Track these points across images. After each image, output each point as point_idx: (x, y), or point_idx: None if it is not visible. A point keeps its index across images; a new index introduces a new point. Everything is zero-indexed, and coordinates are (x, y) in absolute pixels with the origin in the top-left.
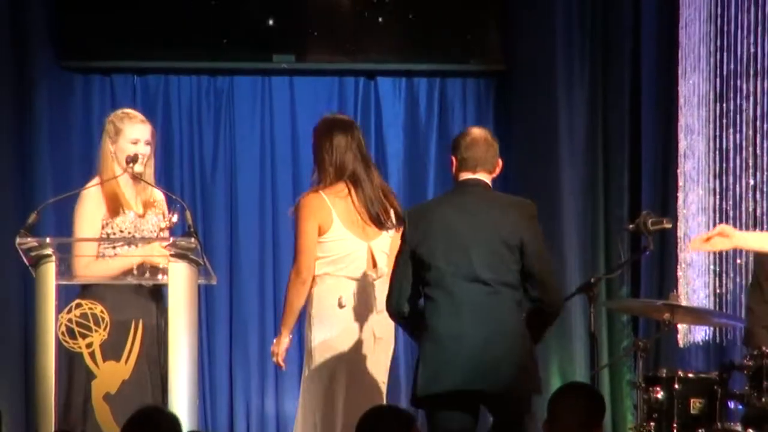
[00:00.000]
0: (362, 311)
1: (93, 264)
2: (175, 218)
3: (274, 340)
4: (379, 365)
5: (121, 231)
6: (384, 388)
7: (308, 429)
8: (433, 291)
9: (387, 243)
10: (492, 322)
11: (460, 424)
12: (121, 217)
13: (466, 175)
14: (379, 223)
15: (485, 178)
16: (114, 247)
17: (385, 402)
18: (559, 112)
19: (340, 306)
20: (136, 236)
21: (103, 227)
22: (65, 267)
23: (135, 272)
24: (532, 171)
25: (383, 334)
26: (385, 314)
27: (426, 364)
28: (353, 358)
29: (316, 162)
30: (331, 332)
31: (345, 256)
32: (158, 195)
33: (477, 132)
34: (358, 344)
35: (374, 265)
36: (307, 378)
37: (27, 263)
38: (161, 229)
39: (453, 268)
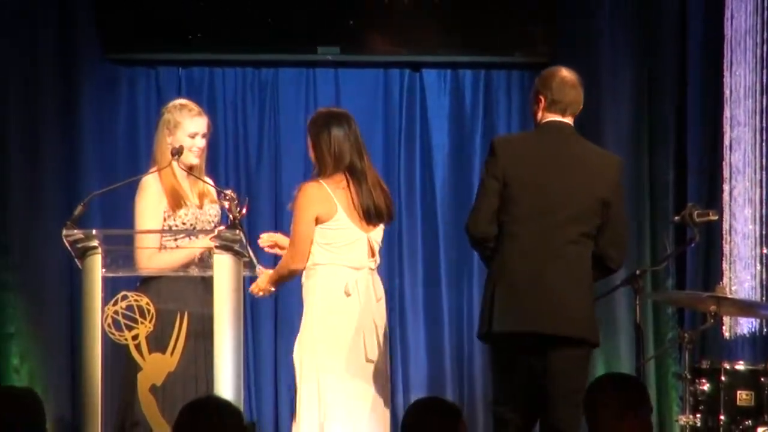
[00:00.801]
0: (365, 300)
1: (156, 256)
2: (243, 210)
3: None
4: (383, 354)
5: (183, 223)
6: (388, 374)
7: (314, 416)
8: (517, 228)
9: (381, 234)
10: (572, 271)
11: (528, 365)
12: (183, 210)
13: (554, 117)
14: (374, 216)
15: (571, 122)
16: (175, 239)
17: (389, 389)
18: (603, 104)
19: (347, 294)
20: (197, 228)
21: (164, 219)
22: (111, 259)
23: (197, 263)
24: None
25: (381, 323)
26: (383, 302)
27: (503, 301)
28: (359, 346)
29: (314, 154)
30: (339, 320)
31: (348, 244)
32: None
33: (566, 72)
34: (363, 332)
35: (372, 254)
36: (313, 366)
37: (73, 255)
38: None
39: (542, 211)
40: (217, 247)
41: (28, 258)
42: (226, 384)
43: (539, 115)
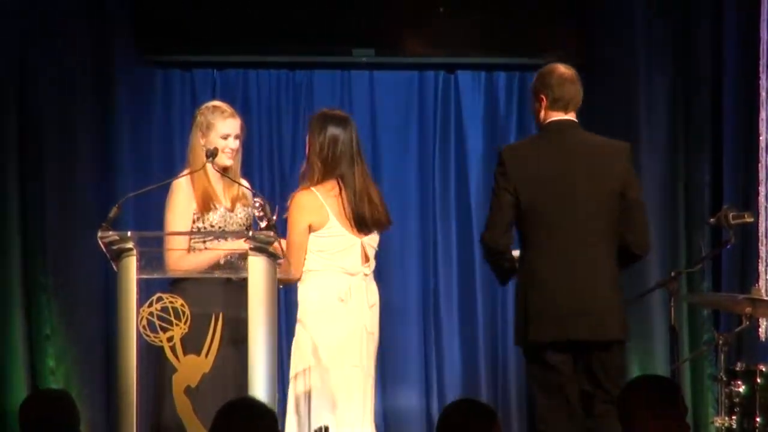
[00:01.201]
0: (358, 306)
1: (185, 257)
2: (274, 218)
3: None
4: (371, 359)
5: (212, 226)
6: (374, 379)
7: (303, 417)
8: (541, 235)
9: (376, 239)
10: (600, 271)
11: (562, 371)
12: (212, 212)
13: (557, 116)
14: (363, 225)
15: (574, 117)
16: (204, 241)
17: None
18: (639, 105)
19: (341, 300)
20: (225, 230)
21: (194, 222)
22: (146, 261)
23: (221, 265)
24: None
25: (373, 329)
26: (376, 309)
27: (536, 311)
28: (353, 353)
29: (307, 156)
30: (334, 327)
31: (342, 250)
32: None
33: (564, 69)
34: (356, 338)
35: (366, 260)
36: (308, 373)
37: (108, 257)
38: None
39: (563, 214)
40: (251, 248)
41: (63, 260)
42: (260, 386)
43: (542, 114)
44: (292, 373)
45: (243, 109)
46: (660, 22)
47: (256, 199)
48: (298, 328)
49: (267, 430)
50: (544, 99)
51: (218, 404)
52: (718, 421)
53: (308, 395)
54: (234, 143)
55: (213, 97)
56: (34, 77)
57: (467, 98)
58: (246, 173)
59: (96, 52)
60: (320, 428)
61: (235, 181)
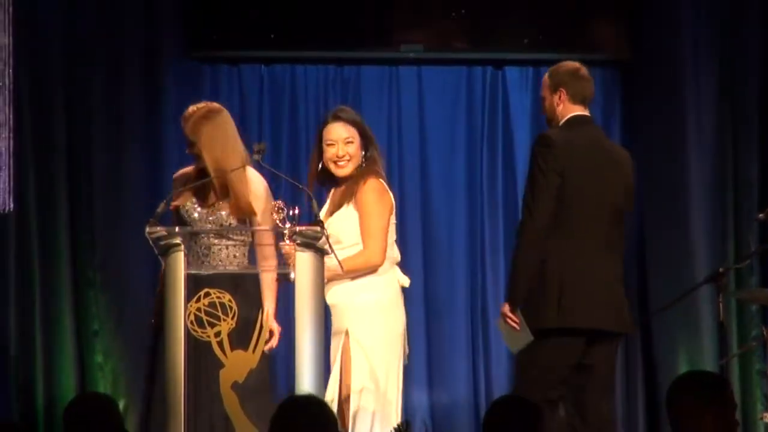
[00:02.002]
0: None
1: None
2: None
3: None
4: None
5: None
6: None
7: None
8: (574, 224)
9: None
10: (619, 265)
11: (573, 358)
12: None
13: (577, 110)
14: None
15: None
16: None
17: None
18: (687, 101)
19: (402, 287)
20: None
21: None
22: (194, 256)
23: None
24: (660, 162)
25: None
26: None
27: (570, 299)
28: (404, 339)
29: (365, 150)
30: (401, 312)
31: (395, 240)
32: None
33: (576, 64)
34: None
35: None
36: (397, 360)
37: (156, 252)
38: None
39: (597, 205)
40: (298, 244)
41: (111, 256)
42: (306, 382)
43: (561, 108)
44: (377, 364)
45: (291, 105)
46: (707, 20)
47: (276, 202)
48: (373, 318)
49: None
50: (564, 92)
51: (264, 399)
52: (767, 417)
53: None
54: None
55: (261, 93)
56: (82, 74)
57: (515, 94)
58: (294, 170)
59: (144, 47)
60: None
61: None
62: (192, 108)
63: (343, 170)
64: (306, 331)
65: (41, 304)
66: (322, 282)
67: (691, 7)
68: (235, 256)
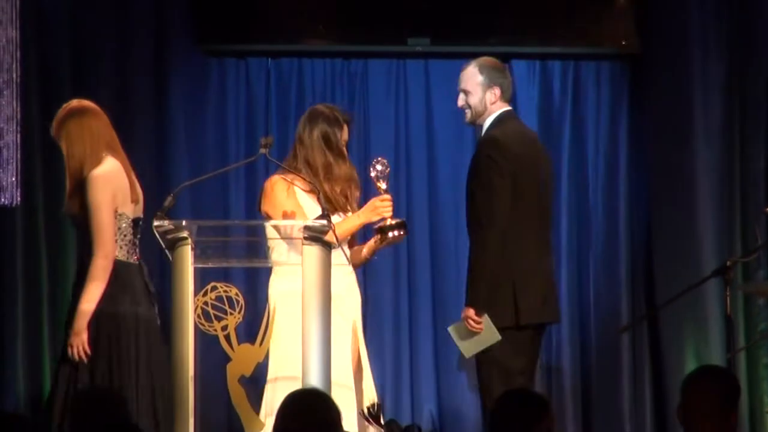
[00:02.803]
0: None
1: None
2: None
3: None
4: None
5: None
6: None
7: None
8: (520, 223)
9: None
10: (552, 256)
11: (534, 352)
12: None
13: (505, 106)
14: None
15: None
16: None
17: None
18: (694, 93)
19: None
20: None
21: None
22: (201, 249)
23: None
24: (668, 153)
25: None
26: None
27: (524, 296)
28: None
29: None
30: None
31: None
32: None
33: (498, 60)
34: None
35: None
36: None
37: (163, 246)
38: None
39: (534, 203)
40: (305, 238)
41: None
42: (313, 376)
43: (494, 105)
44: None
45: (297, 98)
46: (716, 12)
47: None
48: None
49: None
50: (499, 89)
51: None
52: None
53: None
54: None
55: (267, 86)
56: (89, 68)
57: (522, 88)
58: None
59: (152, 40)
60: (373, 405)
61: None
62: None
63: None
64: (313, 324)
65: (48, 297)
66: (329, 275)
67: (700, 1)
68: None
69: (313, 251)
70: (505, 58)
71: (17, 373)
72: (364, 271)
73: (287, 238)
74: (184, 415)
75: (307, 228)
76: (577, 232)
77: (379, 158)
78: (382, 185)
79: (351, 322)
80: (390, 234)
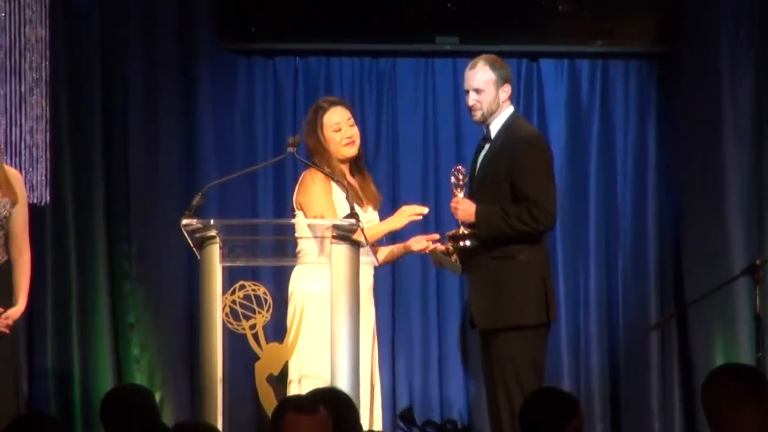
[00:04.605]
0: None
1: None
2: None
3: None
4: None
5: None
6: None
7: None
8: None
9: None
10: None
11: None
12: None
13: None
14: None
15: None
16: None
17: None
18: (723, 93)
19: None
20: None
21: None
22: (229, 248)
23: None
24: (696, 151)
25: None
26: None
27: (550, 293)
28: None
29: None
30: None
31: None
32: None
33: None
34: None
35: None
36: None
37: (192, 245)
38: None
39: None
40: (334, 237)
41: (147, 248)
42: (342, 374)
43: (505, 103)
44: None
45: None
46: (745, 9)
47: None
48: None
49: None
50: (509, 87)
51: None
52: None
53: None
54: None
55: (295, 85)
56: (118, 67)
57: (550, 86)
58: None
59: (180, 39)
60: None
61: None
62: None
63: (352, 150)
64: (342, 323)
65: (77, 296)
66: (357, 274)
67: None
68: None
69: (342, 250)
70: (533, 56)
71: (47, 366)
72: (393, 267)
73: (316, 237)
74: (213, 413)
75: (335, 227)
76: (605, 230)
77: (460, 167)
78: (460, 193)
79: (371, 325)
80: (461, 243)
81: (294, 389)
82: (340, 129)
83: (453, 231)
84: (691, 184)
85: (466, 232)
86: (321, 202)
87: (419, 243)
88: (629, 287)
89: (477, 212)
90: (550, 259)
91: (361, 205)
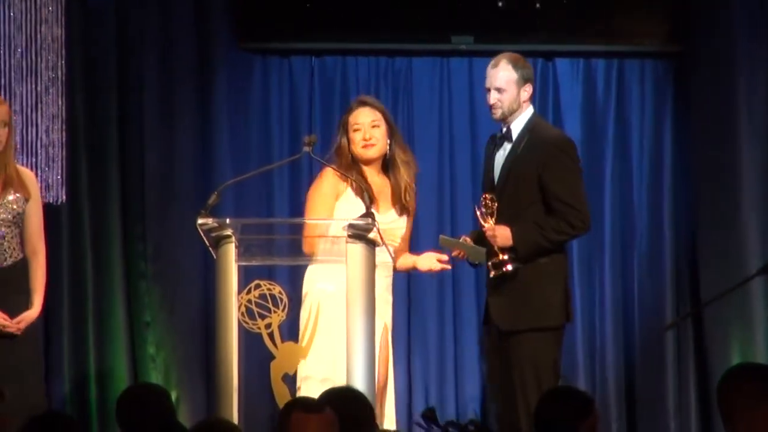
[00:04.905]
0: None
1: None
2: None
3: None
4: None
5: None
6: None
7: None
8: None
9: None
10: None
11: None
12: None
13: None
14: None
15: None
16: None
17: None
18: (737, 92)
19: None
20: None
21: None
22: (245, 247)
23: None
24: (712, 151)
25: None
26: None
27: (568, 294)
28: None
29: (392, 138)
30: None
31: None
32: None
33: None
34: None
35: None
36: None
37: (207, 244)
38: None
39: None
40: (349, 236)
41: (163, 247)
42: (358, 375)
43: (526, 103)
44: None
45: (341, 97)
46: (761, 9)
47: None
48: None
49: (366, 420)
50: (531, 86)
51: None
52: None
53: None
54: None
55: (311, 84)
56: (134, 66)
57: (565, 86)
58: None
59: (196, 38)
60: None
61: None
62: None
63: (370, 152)
64: (357, 323)
65: (93, 295)
66: (373, 274)
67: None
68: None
69: (357, 249)
70: (549, 56)
71: (63, 366)
72: None
73: (330, 236)
74: (229, 412)
75: (351, 226)
76: (621, 229)
77: (489, 195)
78: (491, 221)
79: (382, 324)
80: (504, 269)
81: (307, 388)
82: (360, 130)
83: (494, 259)
84: (707, 184)
85: (506, 257)
86: (317, 203)
87: (428, 262)
88: (645, 287)
89: (513, 234)
90: (575, 262)
91: (374, 205)
